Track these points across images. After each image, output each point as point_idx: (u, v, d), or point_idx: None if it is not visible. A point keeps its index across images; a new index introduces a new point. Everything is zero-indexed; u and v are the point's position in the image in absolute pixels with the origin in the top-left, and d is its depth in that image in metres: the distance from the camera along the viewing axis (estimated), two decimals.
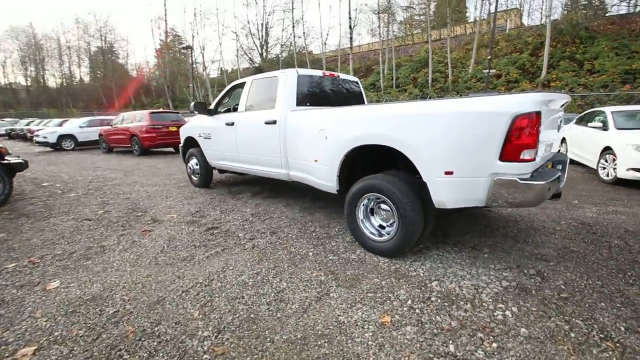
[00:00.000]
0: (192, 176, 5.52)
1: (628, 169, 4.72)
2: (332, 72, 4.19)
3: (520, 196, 2.08)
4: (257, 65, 35.98)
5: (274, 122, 3.63)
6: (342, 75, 4.38)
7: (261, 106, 3.96)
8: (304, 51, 34.17)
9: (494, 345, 1.59)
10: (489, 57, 14.09)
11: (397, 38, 28.33)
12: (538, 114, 1.99)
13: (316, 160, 3.08)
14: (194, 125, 5.26)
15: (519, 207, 2.20)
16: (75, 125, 13.82)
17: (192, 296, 2.07)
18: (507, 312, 1.85)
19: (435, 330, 1.70)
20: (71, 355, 1.57)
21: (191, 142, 5.48)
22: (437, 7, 29.92)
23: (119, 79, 48.20)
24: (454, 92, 18.31)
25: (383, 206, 2.67)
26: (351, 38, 24.08)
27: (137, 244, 2.99)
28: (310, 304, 1.96)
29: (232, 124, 4.30)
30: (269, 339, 1.66)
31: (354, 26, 23.87)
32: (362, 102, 4.62)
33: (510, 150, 2.03)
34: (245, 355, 1.56)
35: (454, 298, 2.00)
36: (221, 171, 5.28)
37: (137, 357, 1.55)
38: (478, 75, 17.94)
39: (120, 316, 1.87)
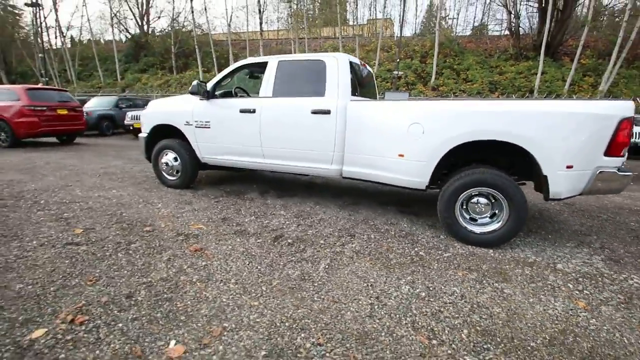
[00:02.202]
0: (166, 175, 4.39)
1: None
2: (364, 62, 4.01)
3: (614, 185, 2.53)
4: (133, 36, 30.11)
5: (327, 112, 3.26)
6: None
7: (300, 93, 3.47)
8: (198, 29, 30.75)
9: None
10: (398, 60, 16.00)
11: (301, 29, 28.56)
12: (633, 118, 2.44)
13: (401, 155, 2.94)
14: (174, 110, 4.17)
15: (606, 194, 2.67)
16: None
17: (390, 322, 1.73)
18: (636, 280, 2.25)
19: (625, 305, 1.94)
20: None
21: (162, 131, 4.35)
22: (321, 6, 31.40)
23: None
24: None
25: (477, 199, 2.79)
26: (261, 24, 23.07)
27: (213, 268, 2.24)
28: (509, 306, 1.92)
29: (253, 111, 3.62)
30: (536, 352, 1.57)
31: (263, 11, 22.87)
32: (376, 94, 4.60)
33: (615, 147, 2.43)
34: None
35: (590, 275, 2.30)
36: (204, 167, 4.40)
37: None
38: (382, 75, 20.03)
39: None
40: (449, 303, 1.92)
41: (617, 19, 18.73)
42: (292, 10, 28.24)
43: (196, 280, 2.09)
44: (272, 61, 3.67)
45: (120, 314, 1.73)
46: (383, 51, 23.89)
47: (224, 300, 1.88)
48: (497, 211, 2.76)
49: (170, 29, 27.61)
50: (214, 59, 24.11)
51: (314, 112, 3.32)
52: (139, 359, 1.43)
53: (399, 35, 26.75)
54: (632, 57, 15.56)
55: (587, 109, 2.39)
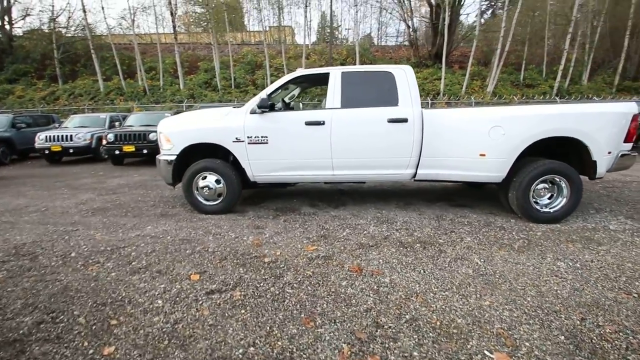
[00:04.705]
0: (204, 200, 3.90)
1: None
2: None
3: (628, 163, 3.48)
4: None
5: (404, 121, 3.48)
6: None
7: (371, 103, 3.59)
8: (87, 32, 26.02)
9: None
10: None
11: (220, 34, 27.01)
12: (639, 114, 3.40)
13: (483, 155, 3.37)
14: (219, 126, 3.73)
15: (619, 170, 3.61)
16: None
17: (594, 290, 2.10)
18: None
19: None
20: None
21: (194, 151, 3.86)
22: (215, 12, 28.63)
23: None
24: None
25: (540, 185, 3.44)
26: (174, 27, 20.92)
27: (399, 283, 2.25)
28: (626, 258, 2.51)
29: (322, 123, 3.56)
30: None
31: (175, 12, 20.85)
32: None
33: (630, 136, 3.35)
34: None
35: (632, 230, 3.13)
36: (245, 187, 4.07)
37: None
38: None
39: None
40: (599, 268, 2.41)
41: (486, 33, 23.57)
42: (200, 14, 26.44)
43: (405, 296, 2.08)
44: (335, 72, 3.68)
45: (400, 343, 1.66)
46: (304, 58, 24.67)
47: (459, 306, 1.97)
48: (554, 194, 3.45)
49: (48, 29, 22.62)
50: (118, 65, 20.81)
51: (391, 121, 3.49)
52: None
53: (305, 43, 27.82)
54: (504, 64, 19.97)
55: (617, 109, 3.25)
